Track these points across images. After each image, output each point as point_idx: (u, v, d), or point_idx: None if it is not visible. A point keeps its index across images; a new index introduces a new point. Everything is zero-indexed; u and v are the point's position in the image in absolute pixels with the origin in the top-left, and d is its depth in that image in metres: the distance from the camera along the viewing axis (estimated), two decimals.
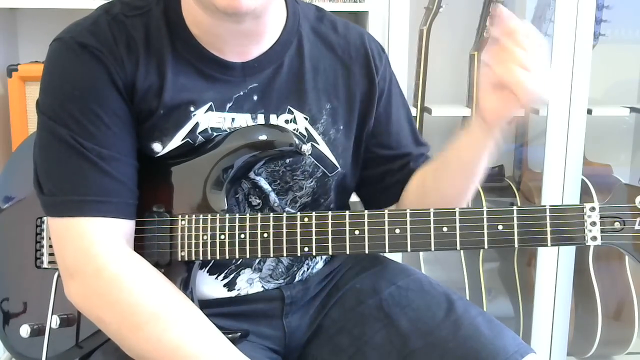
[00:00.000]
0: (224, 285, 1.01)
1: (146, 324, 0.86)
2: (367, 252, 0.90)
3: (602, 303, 1.93)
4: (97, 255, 0.88)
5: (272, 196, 0.99)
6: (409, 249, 0.89)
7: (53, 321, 0.98)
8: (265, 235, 0.91)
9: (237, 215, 0.92)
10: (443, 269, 1.99)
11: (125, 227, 0.91)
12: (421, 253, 1.95)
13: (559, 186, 1.82)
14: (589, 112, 1.85)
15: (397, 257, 1.61)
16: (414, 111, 1.94)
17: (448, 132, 2.11)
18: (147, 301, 0.87)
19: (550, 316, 1.89)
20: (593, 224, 0.86)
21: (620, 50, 2.13)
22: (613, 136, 2.22)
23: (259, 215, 0.92)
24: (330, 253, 0.91)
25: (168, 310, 0.87)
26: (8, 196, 1.11)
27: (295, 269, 1.06)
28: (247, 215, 0.92)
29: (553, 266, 1.86)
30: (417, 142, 1.11)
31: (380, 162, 1.08)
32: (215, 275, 1.00)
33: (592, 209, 0.86)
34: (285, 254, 0.91)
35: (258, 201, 0.99)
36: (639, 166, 2.20)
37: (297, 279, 1.06)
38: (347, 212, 0.90)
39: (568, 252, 1.88)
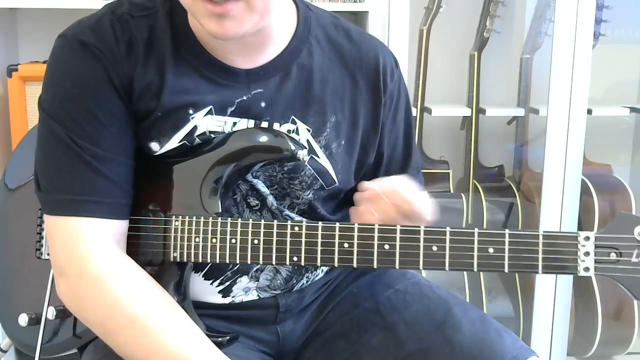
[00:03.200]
0: (219, 292, 1.00)
1: (124, 327, 0.87)
2: (355, 266, 0.89)
3: (602, 303, 1.93)
4: (81, 256, 0.88)
5: (270, 199, 0.99)
6: (397, 266, 0.88)
7: (49, 312, 0.99)
8: (256, 241, 0.91)
9: (229, 219, 0.92)
10: None
11: (116, 227, 0.91)
12: None
13: (559, 186, 1.82)
14: (589, 112, 1.85)
15: None
16: (414, 111, 1.94)
17: (448, 132, 2.12)
18: (125, 304, 0.87)
19: (550, 316, 1.89)
20: (586, 254, 0.83)
21: (620, 50, 2.13)
22: (613, 136, 2.21)
23: (250, 221, 0.91)
24: (318, 264, 0.90)
25: (145, 314, 0.86)
26: (17, 180, 1.12)
27: (295, 281, 1.05)
28: (239, 220, 0.91)
29: None
30: (406, 167, 1.08)
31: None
32: (211, 281, 0.99)
33: (587, 238, 0.83)
34: (274, 262, 0.91)
35: (256, 202, 0.99)
36: (639, 166, 2.20)
37: (294, 289, 1.06)
38: (338, 224, 0.89)
39: None
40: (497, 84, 2.08)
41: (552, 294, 1.88)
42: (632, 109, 2.02)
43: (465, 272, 1.99)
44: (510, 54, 2.09)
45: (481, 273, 1.97)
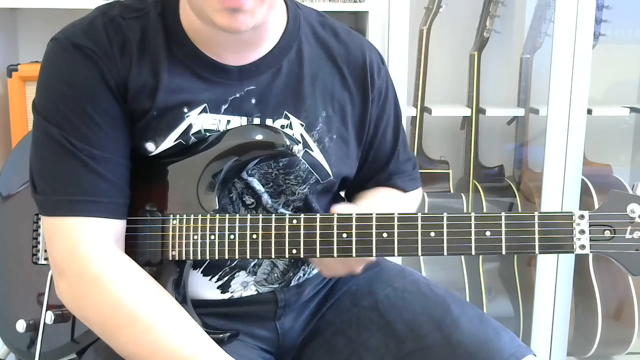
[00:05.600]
0: (218, 287, 1.01)
1: (125, 326, 0.87)
2: (354, 255, 0.89)
3: (602, 303, 1.93)
4: (82, 255, 0.88)
5: (265, 197, 0.99)
6: (396, 254, 0.89)
7: (48, 317, 0.98)
8: (255, 236, 0.91)
9: (227, 216, 0.92)
10: (443, 269, 1.99)
11: (115, 227, 0.91)
12: None
13: (559, 186, 1.82)
14: (589, 112, 1.85)
15: (396, 257, 1.61)
16: (413, 111, 1.94)
17: (448, 132, 2.12)
18: (127, 303, 0.87)
19: (550, 316, 1.89)
20: (582, 232, 0.84)
21: (620, 50, 2.13)
22: (613, 136, 2.22)
23: (249, 216, 0.92)
24: (317, 256, 0.91)
25: (147, 312, 0.87)
26: (12, 185, 1.12)
27: (291, 274, 1.05)
28: (237, 216, 0.92)
29: (553, 266, 1.86)
30: (390, 161, 1.10)
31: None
32: (210, 277, 1.00)
33: (582, 216, 0.84)
34: (273, 256, 0.91)
35: (252, 200, 0.99)
36: (639, 166, 2.20)
37: (292, 284, 1.06)
38: (336, 215, 0.90)
39: None
40: (497, 84, 2.08)
41: (552, 294, 1.88)
42: (632, 109, 2.02)
43: (465, 272, 1.99)
44: (510, 54, 2.09)
45: (481, 273, 1.98)
